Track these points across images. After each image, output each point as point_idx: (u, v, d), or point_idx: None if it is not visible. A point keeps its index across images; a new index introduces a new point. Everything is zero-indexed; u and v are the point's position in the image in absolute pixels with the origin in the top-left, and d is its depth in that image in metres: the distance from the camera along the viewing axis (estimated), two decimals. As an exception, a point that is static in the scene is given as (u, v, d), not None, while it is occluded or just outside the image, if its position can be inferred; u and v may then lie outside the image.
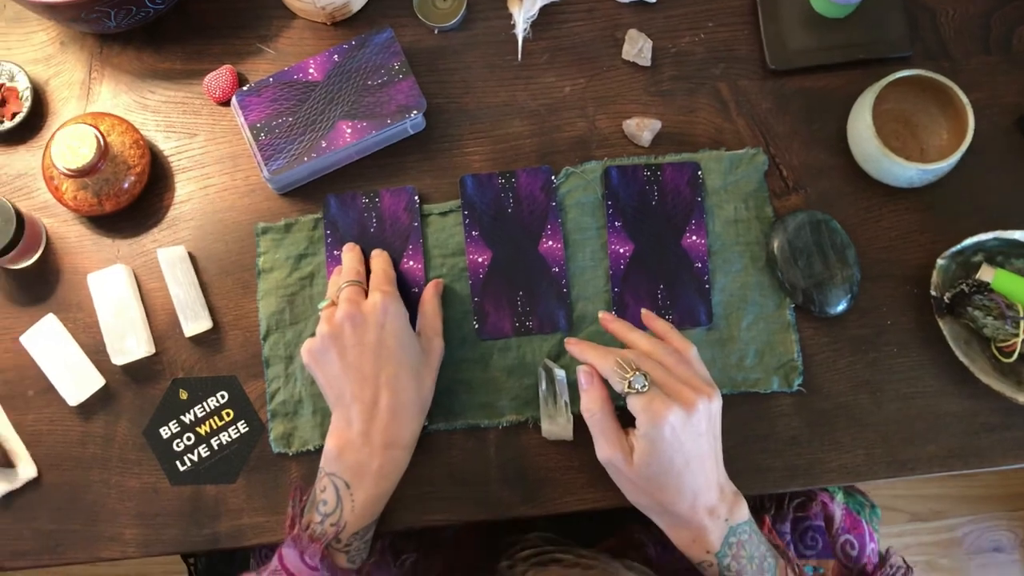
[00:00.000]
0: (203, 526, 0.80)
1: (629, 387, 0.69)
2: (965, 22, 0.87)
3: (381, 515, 0.76)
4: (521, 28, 0.85)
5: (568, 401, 0.79)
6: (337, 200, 0.83)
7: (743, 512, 0.71)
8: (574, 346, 0.75)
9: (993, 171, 0.84)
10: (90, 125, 0.79)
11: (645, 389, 0.69)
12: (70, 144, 0.78)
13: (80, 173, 0.78)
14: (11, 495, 0.80)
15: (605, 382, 0.72)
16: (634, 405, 0.69)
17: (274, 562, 0.69)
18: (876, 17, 0.86)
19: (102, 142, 0.79)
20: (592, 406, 0.71)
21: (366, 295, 0.76)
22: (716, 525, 0.70)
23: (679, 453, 0.68)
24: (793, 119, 0.85)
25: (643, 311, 0.78)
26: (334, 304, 0.75)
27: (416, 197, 0.84)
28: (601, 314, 0.77)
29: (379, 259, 0.80)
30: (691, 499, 0.69)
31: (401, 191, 0.84)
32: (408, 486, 0.79)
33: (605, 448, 0.71)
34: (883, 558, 0.82)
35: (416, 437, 0.75)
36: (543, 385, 0.79)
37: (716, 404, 0.71)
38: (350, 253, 0.80)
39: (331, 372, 0.73)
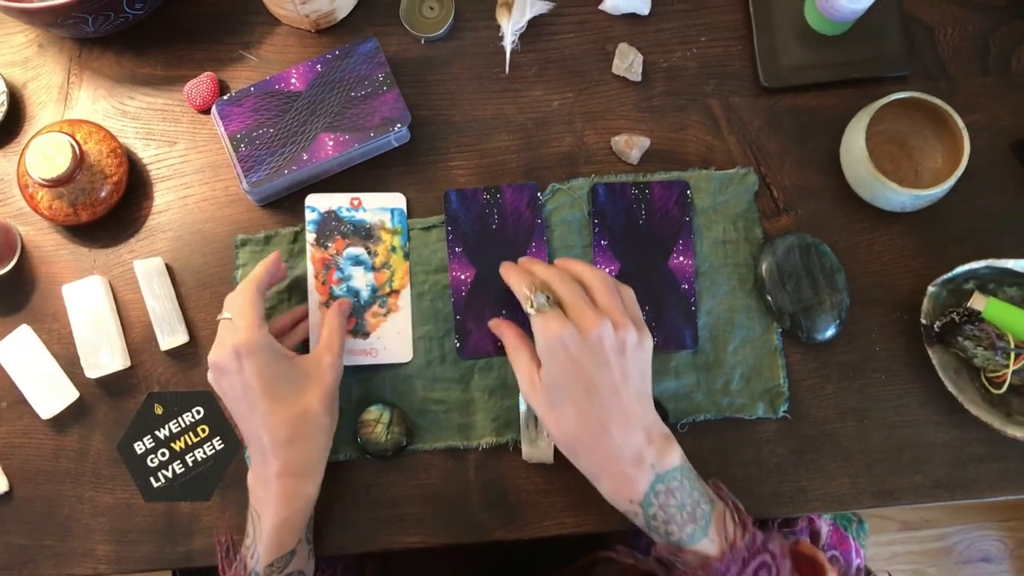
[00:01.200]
0: (177, 543, 0.78)
1: (531, 306, 0.69)
2: (964, 42, 0.85)
3: (356, 536, 0.75)
4: (509, 40, 0.83)
5: (549, 424, 0.78)
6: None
7: (674, 457, 0.68)
8: (503, 268, 0.75)
9: (988, 195, 0.82)
10: (66, 133, 0.77)
11: (543, 308, 0.68)
12: (45, 153, 0.76)
13: (55, 183, 0.77)
14: (-18, 508, 0.79)
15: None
16: (534, 326, 0.68)
17: None
18: (873, 35, 0.84)
19: (78, 151, 0.77)
20: (509, 346, 0.72)
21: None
22: (640, 472, 0.66)
23: (577, 378, 0.66)
24: (785, 138, 0.84)
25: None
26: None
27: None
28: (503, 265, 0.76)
29: (237, 293, 0.73)
30: (605, 439, 0.66)
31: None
32: (384, 507, 0.78)
33: (523, 381, 0.70)
34: (868, 574, 0.81)
35: (317, 461, 0.73)
36: (524, 407, 0.78)
37: (631, 337, 0.67)
38: (256, 273, 0.75)
39: (227, 408, 0.75)
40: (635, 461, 0.67)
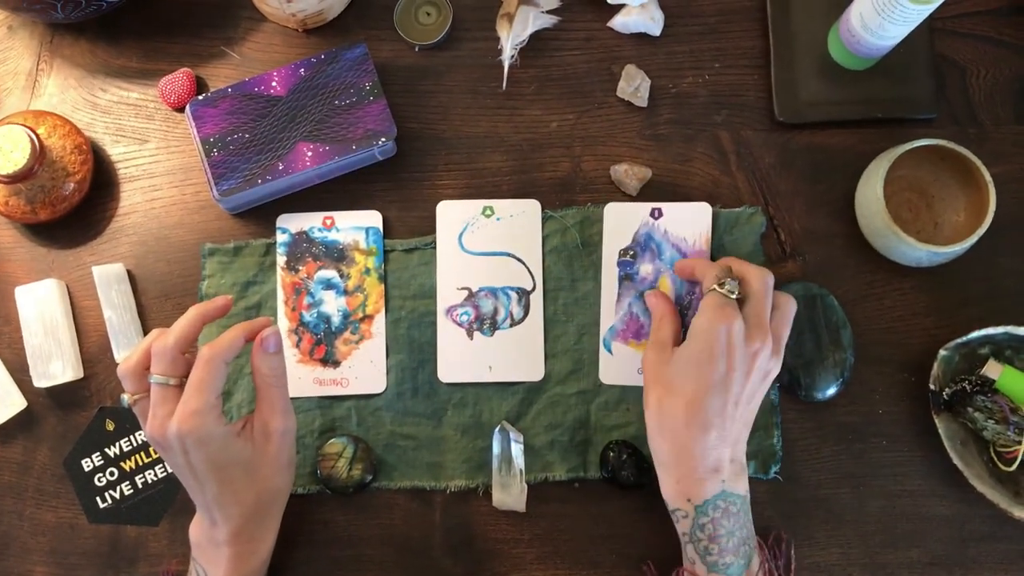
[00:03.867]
0: (119, 570, 0.74)
1: (719, 285, 0.66)
2: (998, 85, 0.79)
3: (309, 575, 0.70)
4: (508, 54, 0.78)
5: (523, 470, 0.73)
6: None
7: (742, 486, 0.66)
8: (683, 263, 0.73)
9: (1011, 254, 0.77)
10: (27, 127, 0.72)
11: (731, 295, 0.66)
12: (2, 147, 0.71)
13: (11, 179, 0.72)
14: (-83, 518, 0.75)
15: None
16: (707, 300, 0.66)
17: None
18: (900, 73, 0.78)
19: (38, 146, 0.72)
20: (660, 314, 0.70)
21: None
22: (711, 479, 0.65)
23: (715, 369, 0.64)
24: (797, 178, 0.78)
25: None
26: (141, 399, 0.63)
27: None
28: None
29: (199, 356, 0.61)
30: (700, 436, 0.65)
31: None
32: (341, 546, 0.74)
33: (655, 344, 0.69)
34: None
35: (271, 525, 0.67)
36: (498, 450, 0.73)
37: (775, 369, 0.67)
38: (182, 324, 0.63)
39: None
40: (712, 469, 0.65)
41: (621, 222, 0.77)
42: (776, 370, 0.67)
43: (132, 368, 0.62)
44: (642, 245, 0.76)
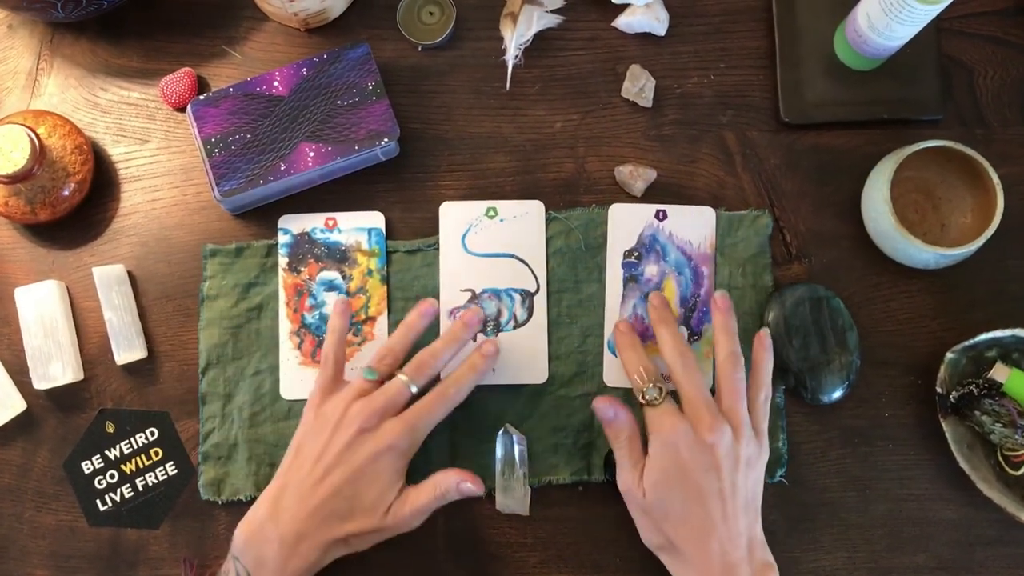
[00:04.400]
0: (120, 573, 0.73)
1: (642, 397, 0.66)
2: (1005, 86, 0.78)
3: None
4: (512, 54, 0.77)
5: (527, 473, 0.73)
6: None
7: None
8: (619, 334, 0.71)
9: (1018, 256, 0.76)
10: (26, 127, 0.72)
11: (656, 402, 0.66)
12: (1, 147, 0.70)
13: (11, 180, 0.71)
14: (-84, 520, 0.74)
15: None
16: (647, 417, 0.66)
17: None
18: (907, 73, 0.77)
19: (37, 146, 0.71)
20: (617, 435, 0.68)
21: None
22: None
23: (687, 479, 0.63)
24: (803, 179, 0.77)
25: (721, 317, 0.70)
26: (376, 383, 0.68)
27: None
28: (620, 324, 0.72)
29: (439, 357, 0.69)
30: (705, 539, 0.63)
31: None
32: (344, 550, 0.73)
33: (623, 474, 0.67)
34: None
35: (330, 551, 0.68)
36: (501, 453, 0.73)
37: (748, 450, 0.65)
38: (452, 345, 0.70)
39: (302, 444, 0.68)
40: (730, 568, 0.63)
41: (625, 224, 0.76)
42: (752, 451, 0.65)
43: (392, 358, 0.69)
44: (647, 247, 0.76)
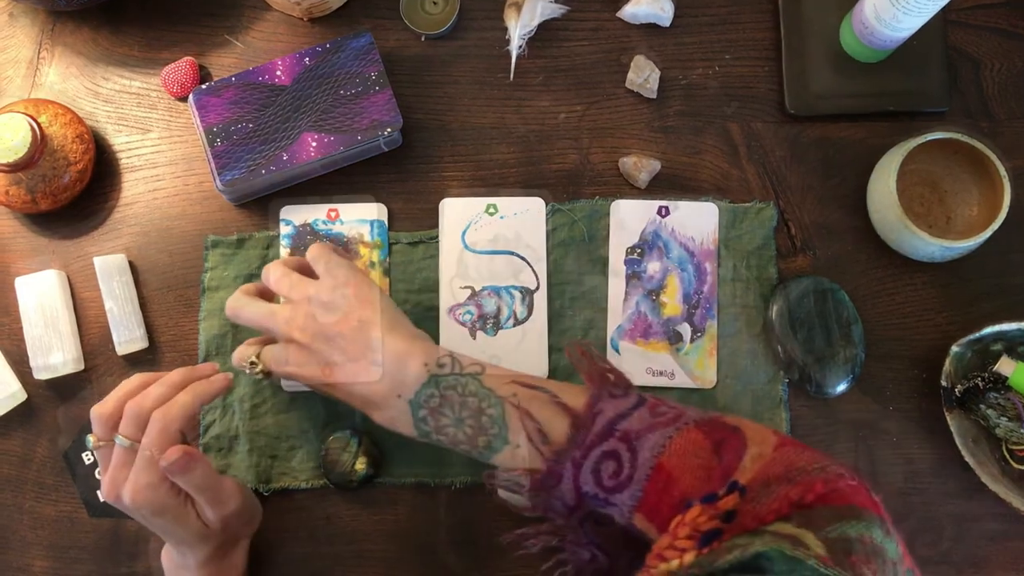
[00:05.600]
0: (120, 565, 0.73)
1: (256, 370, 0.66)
2: (1012, 78, 0.78)
3: (309, 571, 0.71)
4: (516, 44, 0.77)
5: (529, 465, 0.72)
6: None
7: (412, 370, 0.62)
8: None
9: (1025, 249, 0.76)
10: (28, 115, 0.71)
11: (258, 374, 0.66)
12: (2, 136, 0.70)
13: (12, 168, 0.70)
14: (-84, 511, 0.74)
15: None
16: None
17: None
18: (913, 65, 0.77)
19: (39, 135, 0.71)
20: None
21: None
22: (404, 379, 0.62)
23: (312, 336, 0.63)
24: (809, 171, 0.77)
25: None
26: (105, 447, 0.61)
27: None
28: None
29: (162, 409, 0.60)
30: (350, 371, 0.62)
31: None
32: (343, 541, 0.73)
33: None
34: None
35: (241, 553, 0.68)
36: (503, 445, 0.72)
37: (328, 280, 0.64)
38: (162, 389, 0.61)
39: None
40: (382, 384, 0.62)
41: (628, 220, 0.76)
42: (335, 272, 0.65)
43: (106, 416, 0.60)
44: (649, 243, 0.75)
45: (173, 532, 0.62)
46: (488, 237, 0.76)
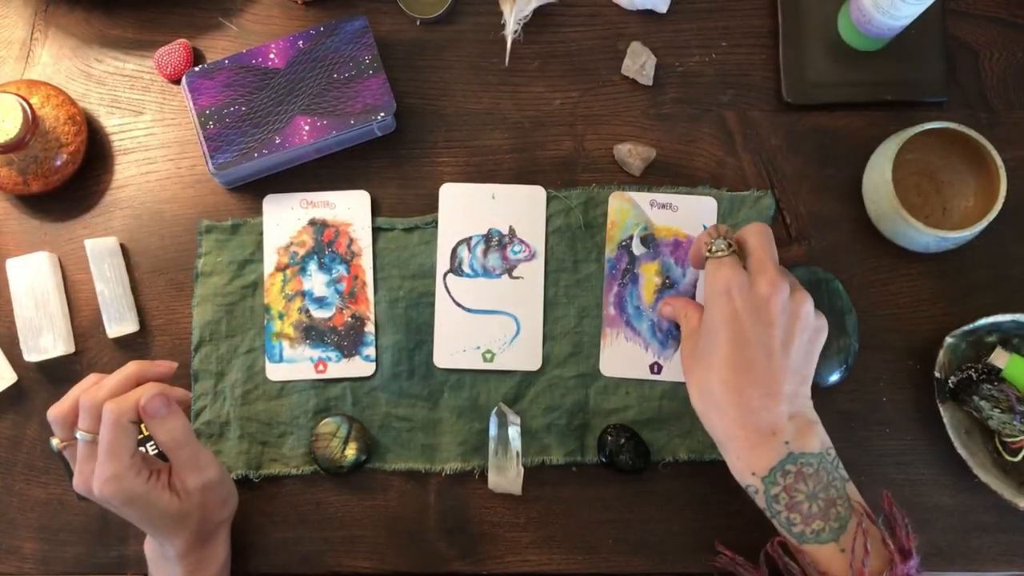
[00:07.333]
0: (110, 547, 0.73)
1: (710, 251, 0.64)
2: (1010, 69, 0.77)
3: (299, 555, 0.71)
4: (511, 29, 0.76)
5: (520, 452, 0.72)
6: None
7: (814, 442, 0.61)
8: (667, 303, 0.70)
9: (1020, 241, 0.75)
10: (19, 96, 0.71)
11: (722, 254, 0.63)
12: (-7, 116, 0.69)
13: (3, 149, 0.70)
14: (-95, 492, 0.74)
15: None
16: (707, 269, 0.64)
17: None
18: (911, 55, 0.76)
19: (30, 116, 0.70)
20: (680, 309, 0.68)
21: None
22: (771, 445, 0.60)
23: (732, 330, 0.61)
24: (804, 160, 0.76)
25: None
26: (69, 446, 0.61)
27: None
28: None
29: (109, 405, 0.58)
30: (741, 399, 0.61)
31: None
32: (333, 527, 0.72)
33: (690, 318, 0.67)
34: None
35: (222, 541, 0.67)
36: (494, 432, 0.72)
37: (806, 307, 0.62)
38: (117, 380, 0.60)
39: None
40: (768, 432, 0.60)
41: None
42: (808, 308, 0.62)
43: (63, 415, 0.60)
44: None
45: (147, 519, 0.61)
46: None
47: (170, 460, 0.62)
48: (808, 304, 0.63)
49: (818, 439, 0.62)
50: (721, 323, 0.62)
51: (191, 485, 0.62)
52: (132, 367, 0.61)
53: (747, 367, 0.61)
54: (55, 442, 0.61)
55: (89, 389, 0.60)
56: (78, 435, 0.59)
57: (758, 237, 0.64)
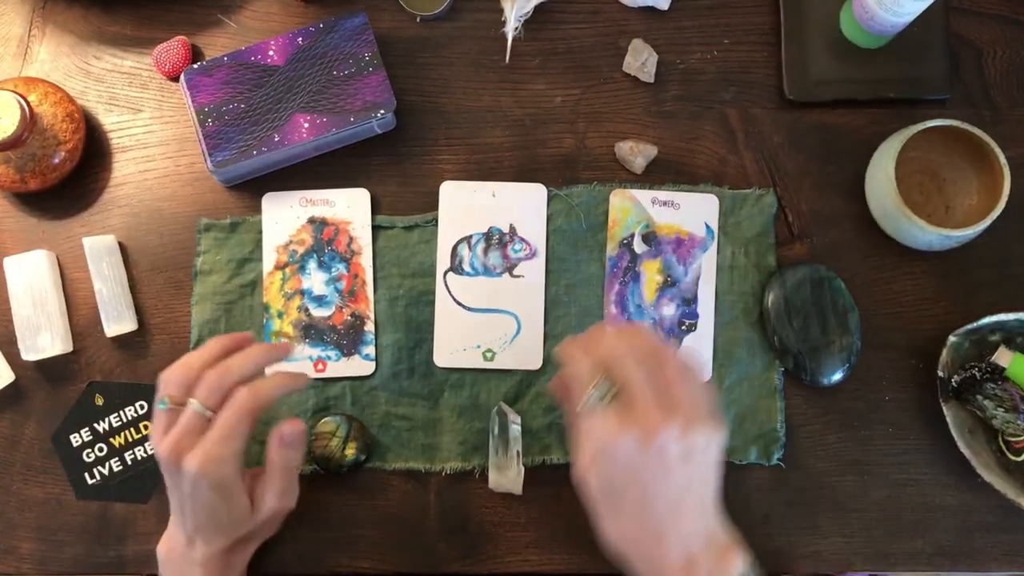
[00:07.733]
0: (108, 547, 0.72)
1: (583, 404, 0.58)
2: (1014, 67, 0.77)
3: (297, 555, 0.70)
4: (512, 26, 0.76)
5: (520, 452, 0.71)
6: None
7: (734, 568, 0.57)
8: (564, 345, 0.62)
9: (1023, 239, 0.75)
10: (17, 93, 0.70)
11: (602, 400, 0.57)
12: (-10, 113, 0.69)
13: (1, 147, 0.70)
14: (-98, 491, 0.73)
15: None
16: (578, 424, 0.58)
17: None
18: (914, 52, 0.76)
19: (27, 113, 0.70)
20: (570, 418, 0.62)
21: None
22: None
23: (630, 487, 0.56)
24: (807, 158, 0.76)
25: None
26: (174, 410, 0.60)
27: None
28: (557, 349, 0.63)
29: (234, 373, 0.60)
30: (658, 550, 0.57)
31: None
32: (333, 527, 0.72)
33: (575, 465, 0.58)
34: None
35: (249, 552, 0.67)
36: (495, 431, 0.72)
37: (700, 439, 0.56)
38: (214, 346, 0.62)
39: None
40: (686, 568, 0.56)
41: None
42: (704, 435, 0.56)
43: (186, 381, 0.60)
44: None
45: (214, 510, 0.61)
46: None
47: (267, 475, 0.64)
48: (698, 431, 0.56)
49: (738, 562, 0.58)
50: (614, 484, 0.56)
51: (269, 504, 0.64)
52: (258, 353, 0.62)
53: (656, 522, 0.57)
54: (167, 399, 0.60)
55: (218, 367, 0.61)
56: (193, 405, 0.59)
57: (629, 366, 0.56)
